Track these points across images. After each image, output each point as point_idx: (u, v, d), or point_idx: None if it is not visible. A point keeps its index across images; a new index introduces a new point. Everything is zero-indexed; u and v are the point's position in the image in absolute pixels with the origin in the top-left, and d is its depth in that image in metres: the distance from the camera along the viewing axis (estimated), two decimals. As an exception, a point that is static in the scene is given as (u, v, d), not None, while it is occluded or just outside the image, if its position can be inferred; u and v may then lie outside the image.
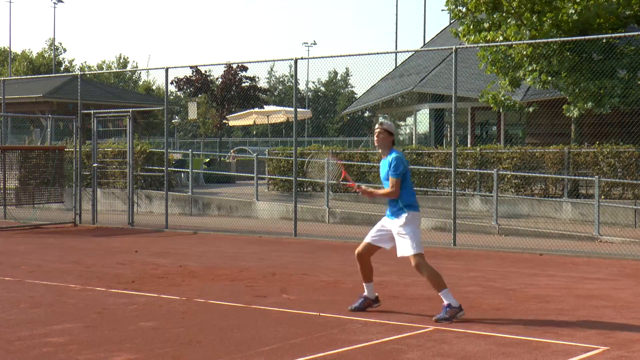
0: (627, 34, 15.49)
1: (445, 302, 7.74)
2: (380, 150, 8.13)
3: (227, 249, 14.18)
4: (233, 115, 39.47)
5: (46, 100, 32.17)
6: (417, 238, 7.85)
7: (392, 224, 7.96)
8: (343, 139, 52.91)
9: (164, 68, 18.01)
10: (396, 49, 52.79)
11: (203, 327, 7.43)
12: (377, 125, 8.10)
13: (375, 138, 8.06)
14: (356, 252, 8.17)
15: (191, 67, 33.50)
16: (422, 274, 7.84)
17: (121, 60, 71.85)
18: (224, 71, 35.25)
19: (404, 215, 7.86)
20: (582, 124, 20.04)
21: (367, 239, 8.11)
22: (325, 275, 10.80)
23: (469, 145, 24.49)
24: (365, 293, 8.23)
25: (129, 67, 71.46)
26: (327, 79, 73.86)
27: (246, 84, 36.11)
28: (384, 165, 8.04)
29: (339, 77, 74.17)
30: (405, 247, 7.83)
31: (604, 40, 17.91)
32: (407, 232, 7.82)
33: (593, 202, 16.11)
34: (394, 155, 7.95)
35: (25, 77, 43.58)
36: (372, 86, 30.57)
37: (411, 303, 8.70)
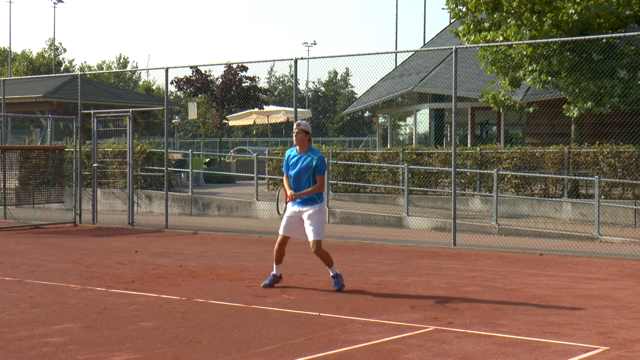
0: (627, 34, 15.49)
1: (333, 273, 9.46)
2: (297, 147, 9.49)
3: (227, 249, 14.18)
4: (233, 115, 39.47)
5: (46, 100, 32.15)
6: (324, 226, 9.54)
7: (304, 211, 9.37)
8: (343, 139, 52.95)
9: (164, 68, 18.01)
10: (396, 49, 52.79)
11: (203, 327, 7.43)
12: (294, 126, 9.45)
13: (295, 137, 9.44)
14: (278, 242, 9.63)
15: (191, 67, 33.50)
16: (321, 254, 9.40)
17: (121, 60, 71.85)
18: (224, 71, 35.25)
19: (318, 205, 9.40)
20: (582, 124, 20.04)
21: (284, 232, 9.57)
22: (325, 275, 10.79)
23: (469, 145, 24.49)
24: (275, 272, 9.78)
25: (129, 67, 71.46)
26: (327, 79, 73.89)
27: (246, 84, 36.10)
28: (302, 160, 9.41)
29: (339, 77, 74.18)
30: (314, 232, 9.33)
31: (604, 40, 17.91)
32: (318, 220, 9.37)
33: (593, 202, 16.11)
34: (319, 154, 9.43)
35: (25, 77, 43.58)
36: (372, 86, 30.58)
37: (411, 303, 8.70)
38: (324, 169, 9.45)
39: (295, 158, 9.48)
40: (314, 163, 9.33)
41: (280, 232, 9.58)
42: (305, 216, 9.37)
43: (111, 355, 6.38)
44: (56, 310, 8.28)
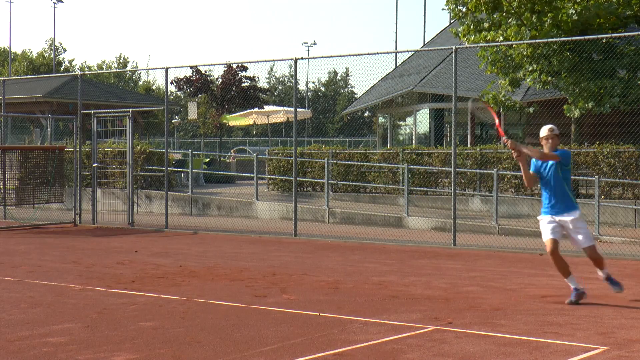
0: (627, 34, 15.49)
1: (605, 275, 8.97)
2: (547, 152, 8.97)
3: (227, 249, 14.18)
4: (233, 115, 39.46)
5: (46, 100, 32.15)
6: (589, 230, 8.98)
7: (565, 219, 8.81)
8: (343, 139, 52.94)
9: (164, 68, 18.02)
10: (396, 49, 52.73)
11: (203, 327, 7.43)
12: (547, 131, 9.00)
13: (547, 142, 8.99)
14: (549, 251, 8.84)
15: (191, 67, 33.51)
16: (597, 258, 8.90)
17: (121, 60, 71.82)
18: (224, 71, 35.26)
19: (578, 212, 8.89)
20: (582, 124, 20.04)
21: (553, 236, 8.86)
22: (325, 275, 10.80)
23: (469, 145, 24.49)
24: (574, 285, 8.85)
25: (129, 67, 71.44)
26: (327, 79, 73.85)
27: (246, 84, 36.10)
28: (550, 164, 8.88)
29: (339, 77, 74.16)
30: (587, 239, 8.82)
31: (604, 40, 17.91)
32: (584, 226, 8.89)
33: (593, 202, 16.11)
34: (562, 151, 9.04)
35: (25, 77, 43.56)
36: (372, 86, 30.57)
37: (411, 303, 8.70)
38: (559, 152, 8.94)
39: (543, 164, 8.96)
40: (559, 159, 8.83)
41: (549, 236, 8.87)
42: (569, 225, 8.83)
43: (111, 355, 6.38)
44: (56, 310, 8.28)
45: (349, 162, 21.66)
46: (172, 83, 34.58)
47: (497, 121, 9.37)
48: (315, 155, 22.29)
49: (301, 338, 6.99)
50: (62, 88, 32.93)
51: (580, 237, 8.84)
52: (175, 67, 19.09)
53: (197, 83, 35.01)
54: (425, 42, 40.50)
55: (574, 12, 17.32)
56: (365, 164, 21.43)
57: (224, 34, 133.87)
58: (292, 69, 17.75)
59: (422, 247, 14.36)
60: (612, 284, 8.97)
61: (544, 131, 9.01)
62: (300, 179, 21.96)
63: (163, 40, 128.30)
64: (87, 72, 55.82)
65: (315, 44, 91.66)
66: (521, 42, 17.27)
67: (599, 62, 18.14)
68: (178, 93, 50.23)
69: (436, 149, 21.13)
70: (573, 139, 19.58)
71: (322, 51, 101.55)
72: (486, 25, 18.96)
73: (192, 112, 34.04)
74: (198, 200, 22.21)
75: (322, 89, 74.71)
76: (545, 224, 8.94)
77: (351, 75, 71.96)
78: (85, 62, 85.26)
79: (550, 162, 8.88)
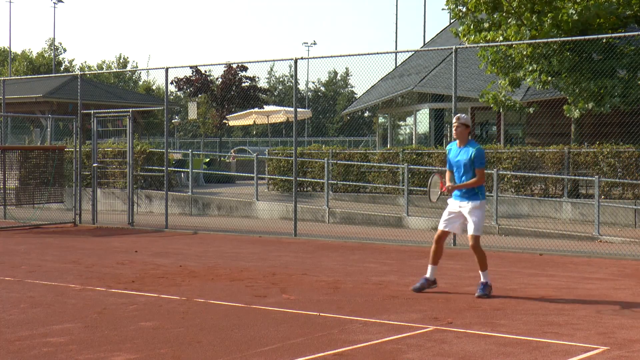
0: (627, 34, 15.50)
1: (484, 280, 9.12)
2: (457, 140, 9.34)
3: (227, 249, 14.18)
4: (233, 115, 39.47)
5: (46, 100, 32.15)
6: (483, 222, 9.21)
7: (465, 205, 9.17)
8: (343, 139, 52.96)
9: (164, 68, 18.01)
10: (396, 49, 52.73)
11: (203, 327, 7.43)
12: (454, 119, 9.33)
13: (454, 131, 9.29)
14: (436, 237, 9.36)
15: (191, 67, 33.50)
16: (478, 252, 9.11)
17: (121, 60, 71.80)
18: (224, 71, 35.25)
19: (479, 201, 9.13)
20: (582, 124, 20.05)
21: (442, 227, 9.35)
22: (325, 275, 10.80)
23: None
24: (428, 275, 9.38)
25: (129, 67, 71.41)
26: (327, 79, 73.84)
27: (246, 84, 36.11)
28: (463, 153, 9.21)
29: (339, 77, 74.15)
30: (474, 228, 9.10)
31: (604, 40, 17.92)
32: (479, 215, 9.12)
33: (593, 202, 16.12)
34: (477, 146, 9.20)
35: (25, 77, 43.55)
36: (372, 86, 30.58)
37: (411, 303, 8.70)
38: (483, 161, 9.17)
39: (455, 152, 9.32)
40: (472, 155, 9.11)
41: (440, 227, 9.36)
42: (465, 211, 9.15)
43: (111, 355, 6.38)
44: (56, 310, 8.28)
45: (349, 162, 21.67)
46: (172, 83, 34.57)
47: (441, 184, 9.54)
48: (315, 155, 22.29)
49: (301, 338, 6.99)
50: (62, 88, 32.93)
51: (470, 223, 9.12)
52: (175, 67, 19.09)
53: (197, 83, 35.00)
54: (425, 42, 40.51)
55: (574, 12, 17.33)
56: (365, 164, 21.44)
57: (224, 34, 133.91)
58: (292, 69, 17.75)
59: (422, 247, 14.35)
60: (482, 289, 9.06)
61: (453, 119, 9.41)
62: (300, 179, 21.97)
63: (163, 40, 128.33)
64: (87, 72, 55.81)
65: (315, 44, 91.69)
66: (521, 42, 17.28)
67: (599, 62, 18.15)
68: (178, 93, 50.25)
69: (436, 149, 21.14)
70: (573, 139, 19.59)
71: (322, 51, 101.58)
72: (486, 25, 18.97)
73: (192, 112, 34.05)
74: (198, 200, 22.21)
75: (322, 89, 74.71)
76: (446, 211, 9.37)
77: (351, 75, 71.96)
78: (85, 62, 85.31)
79: (465, 156, 9.16)
